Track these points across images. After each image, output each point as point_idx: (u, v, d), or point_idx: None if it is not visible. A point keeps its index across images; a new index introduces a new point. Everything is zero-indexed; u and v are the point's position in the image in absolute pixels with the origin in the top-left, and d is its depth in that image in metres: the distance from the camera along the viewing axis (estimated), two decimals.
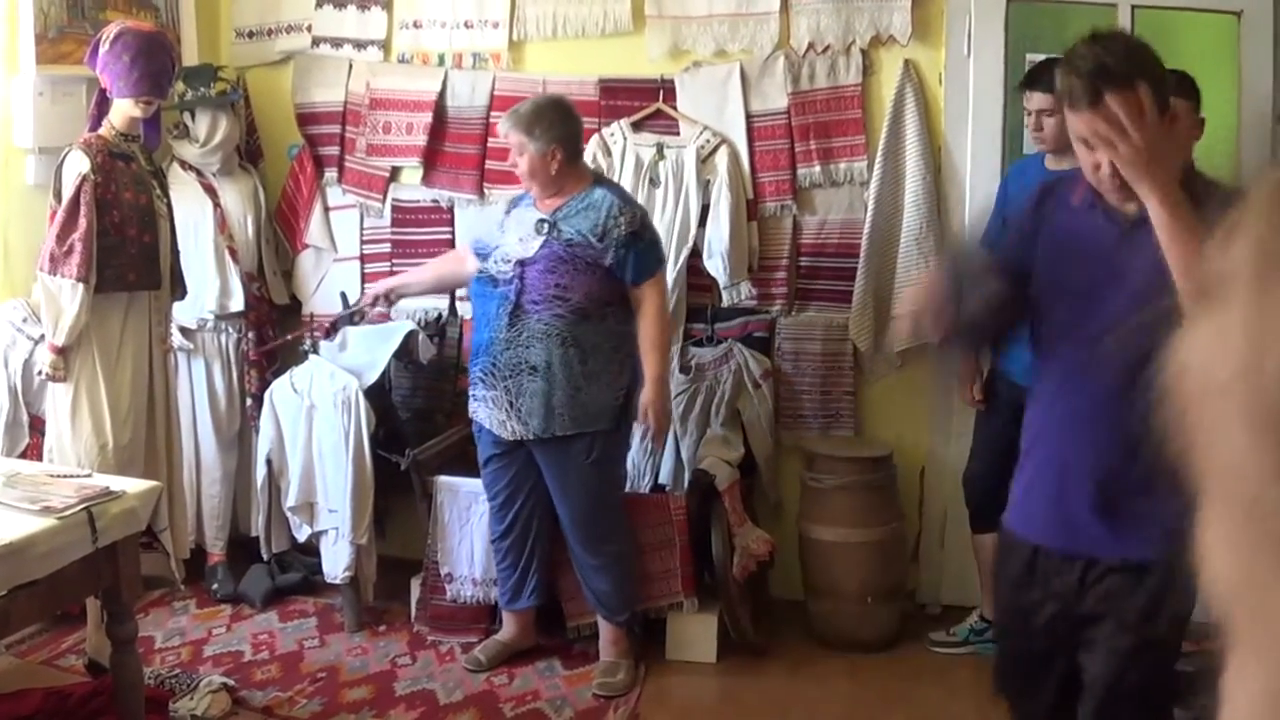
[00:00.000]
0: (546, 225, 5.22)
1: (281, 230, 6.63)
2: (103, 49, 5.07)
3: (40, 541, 3.86)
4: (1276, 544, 0.72)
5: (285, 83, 6.66)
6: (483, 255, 5.38)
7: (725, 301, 6.20)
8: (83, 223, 4.92)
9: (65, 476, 4.38)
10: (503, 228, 5.39)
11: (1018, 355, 5.54)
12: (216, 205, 6.15)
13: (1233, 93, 5.81)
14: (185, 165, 6.17)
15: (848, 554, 5.81)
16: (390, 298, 5.85)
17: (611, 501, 5.52)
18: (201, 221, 6.11)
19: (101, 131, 5.14)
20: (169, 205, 5.40)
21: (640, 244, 5.27)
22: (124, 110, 5.13)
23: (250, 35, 6.72)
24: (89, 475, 4.45)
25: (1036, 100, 5.29)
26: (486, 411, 5.33)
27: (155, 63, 5.09)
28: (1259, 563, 0.72)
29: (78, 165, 4.99)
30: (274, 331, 6.43)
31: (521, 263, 5.20)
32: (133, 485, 4.36)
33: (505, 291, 5.21)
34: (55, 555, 3.92)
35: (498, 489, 5.49)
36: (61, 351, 5.02)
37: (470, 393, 5.43)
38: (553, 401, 5.26)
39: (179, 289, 5.52)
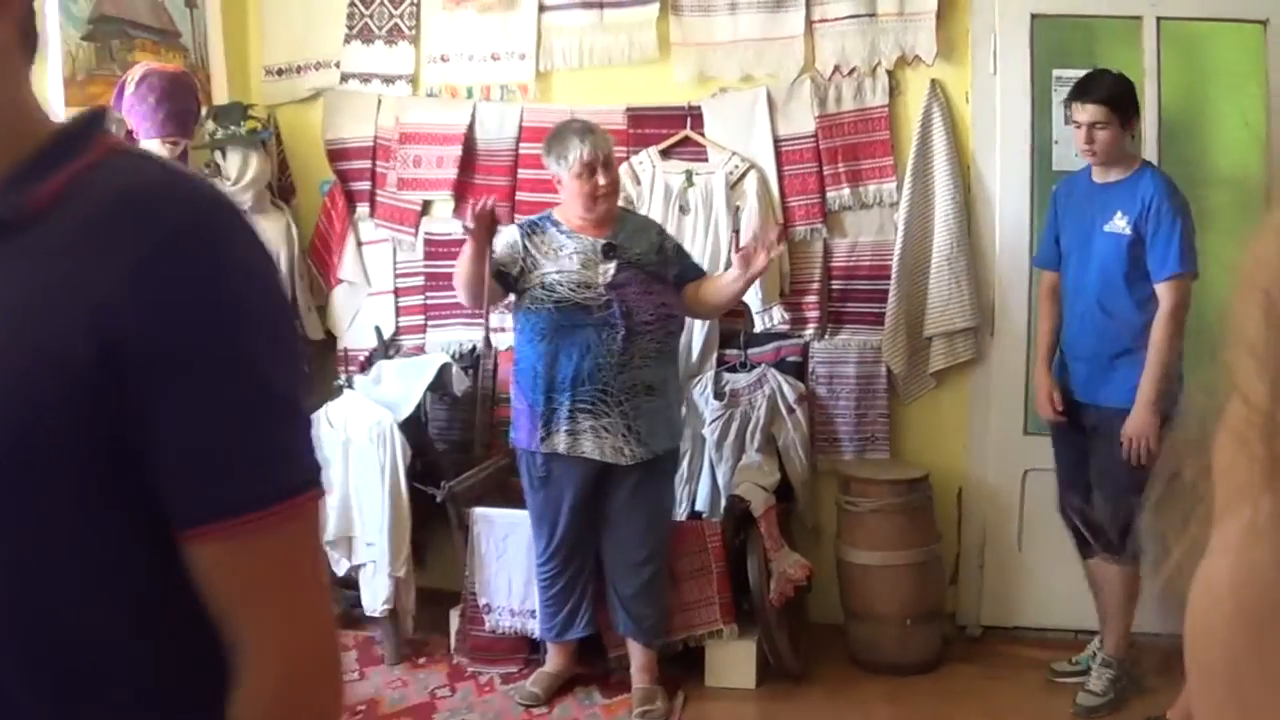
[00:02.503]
0: (615, 249, 5.25)
1: (315, 266, 6.66)
2: (128, 91, 5.13)
3: None
4: (1249, 446, 0.72)
5: (315, 119, 6.69)
6: (514, 278, 5.30)
7: (758, 326, 6.20)
8: None
9: None
10: (539, 251, 5.28)
11: (1075, 368, 5.49)
12: None
13: (1261, 101, 5.78)
14: None
15: (886, 577, 5.78)
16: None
17: (671, 517, 5.68)
18: None
19: None
20: None
21: (681, 247, 5.62)
22: (151, 151, 5.16)
23: (280, 73, 6.76)
24: None
25: (1090, 112, 5.18)
26: (595, 441, 5.23)
27: (179, 103, 5.15)
28: (1239, 453, 0.73)
29: None
30: (309, 367, 6.45)
31: (611, 286, 5.20)
32: None
33: (606, 317, 5.16)
34: None
35: (564, 522, 5.40)
36: None
37: (562, 429, 5.25)
38: (670, 417, 5.45)
39: None
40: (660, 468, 5.45)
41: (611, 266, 5.20)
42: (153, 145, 5.17)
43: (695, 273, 5.54)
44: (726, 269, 5.59)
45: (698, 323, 6.04)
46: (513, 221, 5.64)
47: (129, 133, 5.23)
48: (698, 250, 6.04)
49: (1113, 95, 5.16)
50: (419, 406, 6.02)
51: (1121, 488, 5.24)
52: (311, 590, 1.52)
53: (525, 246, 5.31)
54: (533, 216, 5.55)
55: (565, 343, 5.20)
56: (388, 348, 6.51)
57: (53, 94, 5.62)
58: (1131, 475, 5.20)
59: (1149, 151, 5.73)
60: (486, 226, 5.16)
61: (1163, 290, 5.07)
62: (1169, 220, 5.06)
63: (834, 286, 6.22)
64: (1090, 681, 5.47)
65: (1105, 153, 5.21)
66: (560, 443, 5.25)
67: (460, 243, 6.41)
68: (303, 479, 1.47)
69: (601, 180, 5.21)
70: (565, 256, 5.22)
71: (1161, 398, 5.08)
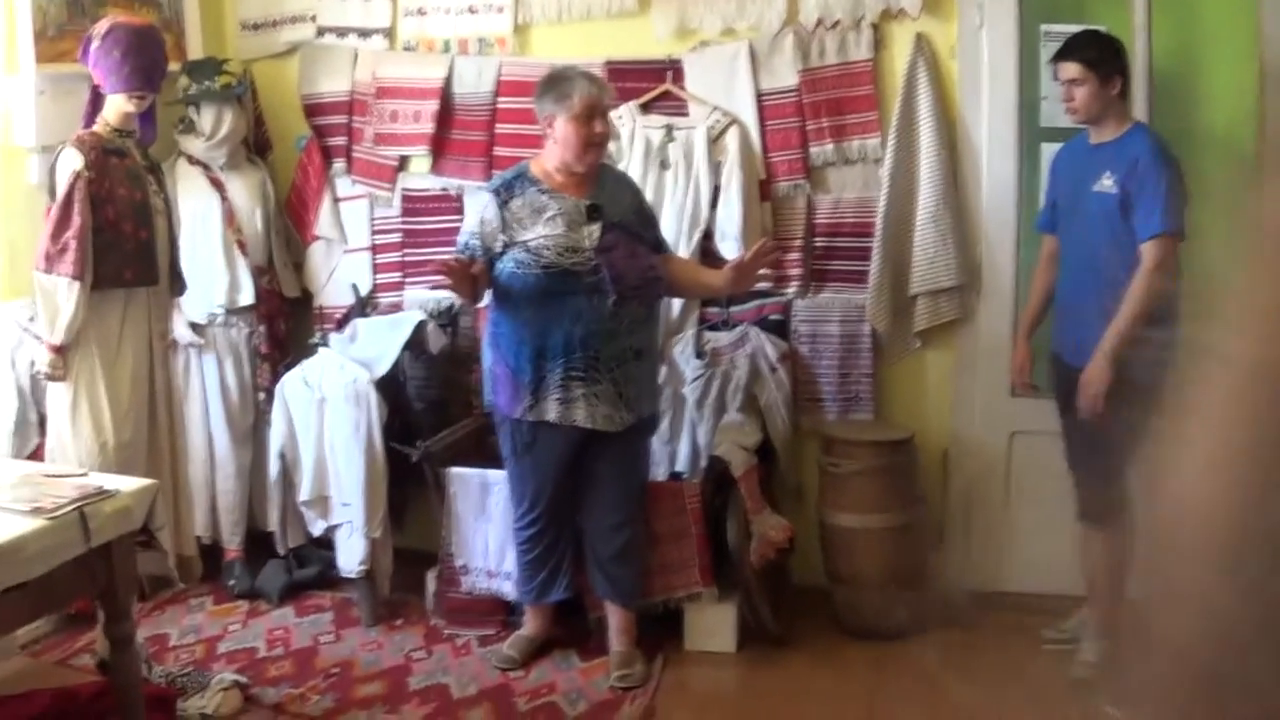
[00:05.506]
0: (599, 210, 5.13)
1: (291, 222, 6.58)
2: (94, 45, 5.06)
3: (30, 542, 3.83)
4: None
5: (291, 74, 6.61)
6: (497, 252, 5.13)
7: None
8: (76, 220, 4.89)
9: (61, 476, 4.34)
10: (517, 218, 5.11)
11: (1067, 332, 5.39)
12: (224, 199, 6.11)
13: (1253, 58, 5.67)
14: (192, 160, 6.13)
15: (869, 540, 5.70)
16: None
17: (648, 479, 5.64)
18: (209, 216, 6.07)
19: (95, 128, 5.12)
20: (166, 200, 5.37)
21: (653, 212, 5.58)
22: (117, 106, 5.10)
23: (255, 27, 6.67)
24: (85, 475, 4.41)
25: (1068, 70, 5.12)
26: (588, 409, 5.13)
27: (145, 57, 5.06)
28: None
29: (71, 162, 4.96)
30: (285, 325, 6.38)
31: (599, 250, 5.08)
32: (128, 484, 4.32)
33: (595, 282, 5.04)
34: (46, 556, 3.90)
35: (549, 488, 5.34)
36: (60, 350, 4.98)
37: (552, 397, 5.14)
38: (655, 380, 5.47)
39: (178, 284, 5.48)
40: (644, 431, 5.41)
41: (596, 229, 5.09)
42: (118, 100, 5.09)
43: (662, 246, 5.47)
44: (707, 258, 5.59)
45: None
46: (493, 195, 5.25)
47: (95, 87, 5.14)
48: (677, 206, 5.97)
49: (1090, 53, 5.09)
50: (396, 365, 5.93)
51: (1097, 453, 5.16)
52: None
53: (503, 219, 5.13)
54: (505, 175, 5.38)
55: (554, 309, 5.08)
56: (364, 305, 6.43)
57: (23, 49, 5.53)
58: (1107, 441, 5.11)
59: (1139, 110, 5.61)
60: (465, 279, 5.00)
61: (1146, 249, 4.94)
62: (1154, 179, 4.94)
63: (817, 244, 6.11)
64: (1086, 653, 5.36)
65: (1085, 110, 5.14)
66: (551, 411, 5.15)
67: (438, 199, 6.39)
68: None
69: (598, 128, 5.10)
70: (548, 219, 5.08)
71: (1121, 350, 4.98)
